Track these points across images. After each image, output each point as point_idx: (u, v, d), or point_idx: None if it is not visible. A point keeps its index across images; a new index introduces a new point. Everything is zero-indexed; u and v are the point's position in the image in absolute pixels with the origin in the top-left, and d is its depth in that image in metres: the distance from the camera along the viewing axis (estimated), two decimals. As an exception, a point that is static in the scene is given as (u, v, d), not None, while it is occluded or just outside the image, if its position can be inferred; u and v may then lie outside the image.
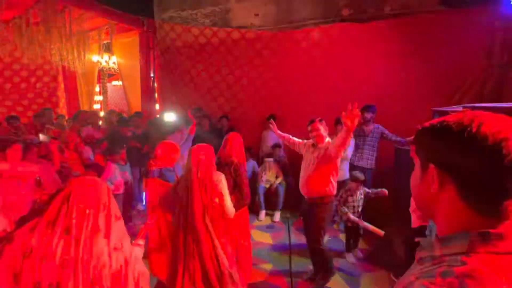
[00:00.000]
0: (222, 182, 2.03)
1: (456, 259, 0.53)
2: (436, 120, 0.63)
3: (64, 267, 0.98)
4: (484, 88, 3.85)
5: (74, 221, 1.02)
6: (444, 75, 4.10)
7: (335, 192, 2.72)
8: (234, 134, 2.63)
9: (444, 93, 4.13)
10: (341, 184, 2.99)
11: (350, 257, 3.26)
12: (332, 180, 2.66)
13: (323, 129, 2.65)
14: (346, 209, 3.19)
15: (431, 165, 0.60)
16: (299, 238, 3.51)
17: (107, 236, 1.08)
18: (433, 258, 0.58)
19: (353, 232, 3.32)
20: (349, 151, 3.78)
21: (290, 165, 4.70)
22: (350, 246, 3.34)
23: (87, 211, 1.04)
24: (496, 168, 0.52)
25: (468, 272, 0.50)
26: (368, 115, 3.86)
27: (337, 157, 2.52)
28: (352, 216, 3.16)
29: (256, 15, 5.22)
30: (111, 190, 1.21)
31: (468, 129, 0.54)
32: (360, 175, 3.23)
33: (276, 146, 4.65)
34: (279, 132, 3.04)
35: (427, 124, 0.65)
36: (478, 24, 3.75)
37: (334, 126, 3.94)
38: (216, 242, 1.95)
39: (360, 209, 3.26)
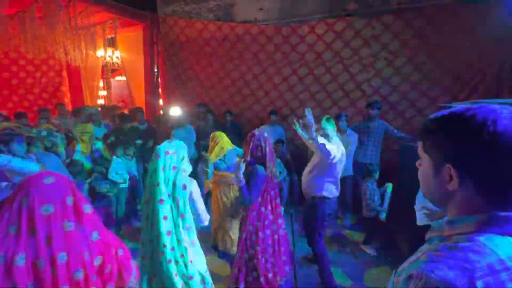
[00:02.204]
0: (194, 188, 1.89)
1: (462, 237, 0.56)
2: (442, 116, 0.61)
3: (39, 268, 0.93)
4: (493, 84, 3.79)
5: (37, 222, 0.95)
6: (452, 70, 4.04)
7: (328, 194, 2.61)
8: (252, 133, 2.37)
9: (452, 89, 4.08)
10: (342, 180, 2.95)
11: (371, 250, 3.28)
12: (323, 181, 2.59)
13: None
14: (375, 212, 3.22)
15: (448, 164, 0.59)
16: (302, 233, 3.51)
17: (81, 228, 1.02)
18: (441, 237, 0.60)
19: (375, 225, 3.35)
20: (352, 148, 3.76)
21: (293, 161, 4.69)
22: (368, 239, 3.37)
23: (51, 209, 0.98)
24: None
25: (472, 247, 0.52)
26: (373, 111, 3.83)
27: (318, 151, 2.50)
28: (383, 216, 3.20)
29: (260, 9, 5.17)
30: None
31: (486, 128, 0.54)
32: (375, 167, 3.30)
33: (279, 142, 4.63)
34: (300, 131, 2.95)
35: (432, 120, 0.63)
36: (488, 17, 3.67)
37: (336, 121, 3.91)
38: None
39: (379, 200, 3.30)
